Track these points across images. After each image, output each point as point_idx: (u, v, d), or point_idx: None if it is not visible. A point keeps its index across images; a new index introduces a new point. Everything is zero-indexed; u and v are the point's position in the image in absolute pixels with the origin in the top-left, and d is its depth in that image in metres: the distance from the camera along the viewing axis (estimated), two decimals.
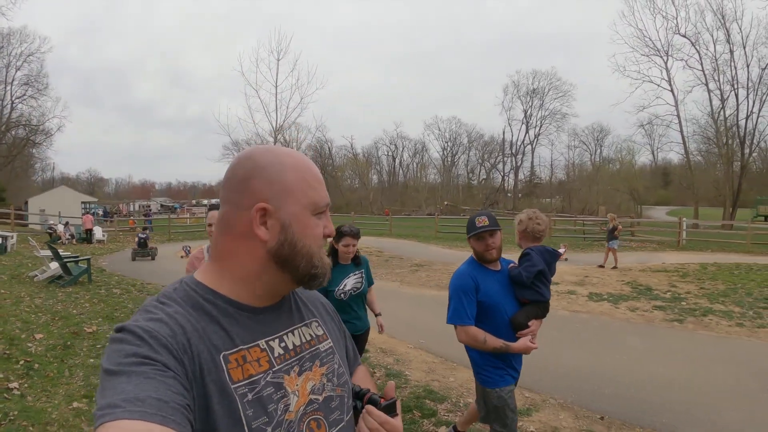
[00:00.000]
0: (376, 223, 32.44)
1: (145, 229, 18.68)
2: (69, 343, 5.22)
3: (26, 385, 4.00)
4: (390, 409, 0.90)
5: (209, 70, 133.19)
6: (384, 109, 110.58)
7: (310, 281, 0.89)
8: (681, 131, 37.16)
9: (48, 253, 9.55)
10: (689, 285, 9.65)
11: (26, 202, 28.69)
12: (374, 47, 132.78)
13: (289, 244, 0.84)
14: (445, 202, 58.17)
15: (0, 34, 35.50)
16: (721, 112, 34.43)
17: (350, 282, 3.58)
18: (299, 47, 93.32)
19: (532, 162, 62.55)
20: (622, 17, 42.75)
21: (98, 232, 20.75)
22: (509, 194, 61.63)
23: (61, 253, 9.20)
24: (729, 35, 32.29)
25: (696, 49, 34.14)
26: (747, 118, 33.33)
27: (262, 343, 0.83)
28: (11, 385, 3.92)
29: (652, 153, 39.45)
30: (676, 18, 33.96)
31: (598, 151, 58.88)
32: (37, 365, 4.45)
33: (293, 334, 0.91)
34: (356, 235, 3.59)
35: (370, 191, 63.52)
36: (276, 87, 28.16)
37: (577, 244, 19.43)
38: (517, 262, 2.74)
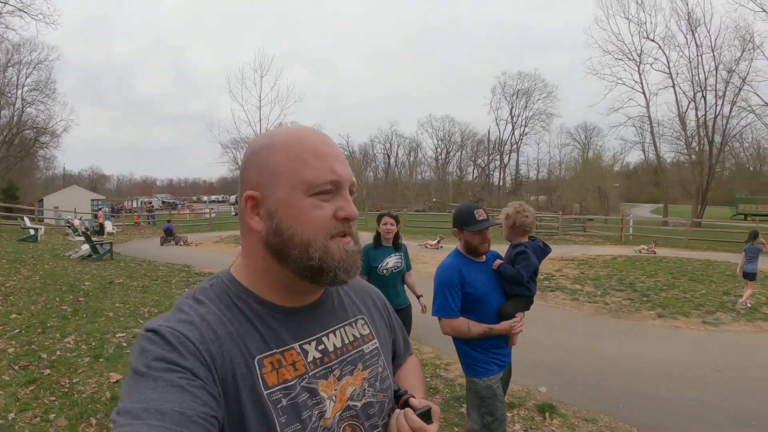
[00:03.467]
0: (361, 219, 35.46)
1: (168, 221, 22.16)
2: (107, 286, 8.41)
3: (80, 309, 7.13)
4: (425, 417, 0.85)
5: (212, 66, 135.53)
6: (382, 106, 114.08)
7: (313, 275, 0.78)
8: (651, 132, 38.93)
9: (81, 238, 12.80)
10: (574, 270, 11.66)
11: (41, 200, 31.81)
12: (374, 44, 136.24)
13: (276, 232, 0.77)
14: (434, 199, 61.00)
15: (12, 44, 38.32)
16: (689, 114, 35.74)
17: (392, 261, 3.99)
18: (281, 65, 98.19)
19: (517, 160, 65.19)
20: (597, 22, 44.90)
21: (109, 226, 23.96)
22: (495, 191, 63.87)
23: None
24: (695, 39, 33.56)
25: (664, 53, 35.88)
26: (715, 119, 34.45)
27: (297, 346, 0.80)
28: (67, 309, 7.05)
29: (643, 151, 41.66)
30: (645, 23, 35.90)
31: (588, 148, 60.05)
32: (90, 298, 7.63)
33: (334, 335, 0.87)
34: (394, 216, 4.07)
35: (362, 188, 66.25)
36: (260, 100, 32.00)
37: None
38: (506, 256, 2.73)
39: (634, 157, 56.68)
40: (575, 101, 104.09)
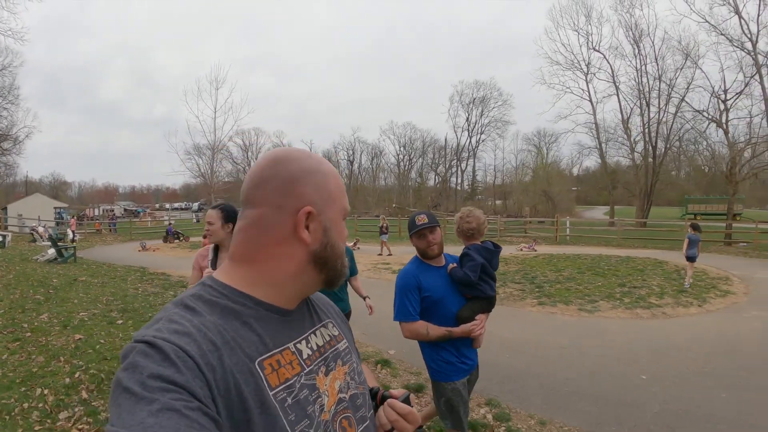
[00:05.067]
0: None
1: (170, 224, 27.83)
2: (72, 282, 10.07)
3: (51, 298, 8.79)
4: (405, 403, 0.98)
5: (175, 70, 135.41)
6: (345, 112, 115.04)
7: (338, 280, 0.93)
8: (598, 138, 40.86)
9: (48, 243, 14.30)
10: None
11: (5, 208, 32.56)
12: (339, 49, 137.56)
13: (331, 246, 0.89)
14: (393, 205, 62.68)
15: None
16: (633, 120, 37.30)
17: None
18: (242, 72, 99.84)
19: (474, 166, 67.03)
20: (546, 33, 47.42)
21: (70, 233, 25.15)
22: (453, 197, 64.98)
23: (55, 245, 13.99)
24: (639, 49, 35.24)
25: (608, 63, 37.88)
26: (658, 125, 35.84)
27: (291, 345, 0.85)
28: (40, 298, 8.70)
29: (600, 156, 43.45)
30: (591, 35, 38.08)
31: (547, 154, 61.56)
32: (58, 291, 9.28)
33: (315, 335, 0.93)
34: None
35: None
36: (215, 112, 34.14)
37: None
38: (458, 260, 2.83)
39: (593, 162, 59.07)
40: (533, 108, 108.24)
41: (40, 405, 3.94)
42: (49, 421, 3.71)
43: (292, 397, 0.78)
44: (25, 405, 3.92)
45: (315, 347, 0.91)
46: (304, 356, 0.86)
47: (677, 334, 6.97)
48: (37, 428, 3.59)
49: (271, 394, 0.75)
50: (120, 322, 6.88)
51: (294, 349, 0.85)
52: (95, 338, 5.92)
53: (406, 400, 0.99)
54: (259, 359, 0.77)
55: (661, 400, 4.62)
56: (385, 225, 17.91)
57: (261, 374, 0.76)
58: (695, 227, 10.60)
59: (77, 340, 5.79)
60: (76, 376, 4.60)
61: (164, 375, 0.64)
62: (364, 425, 0.93)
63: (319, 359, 0.90)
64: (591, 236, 23.15)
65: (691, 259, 10.33)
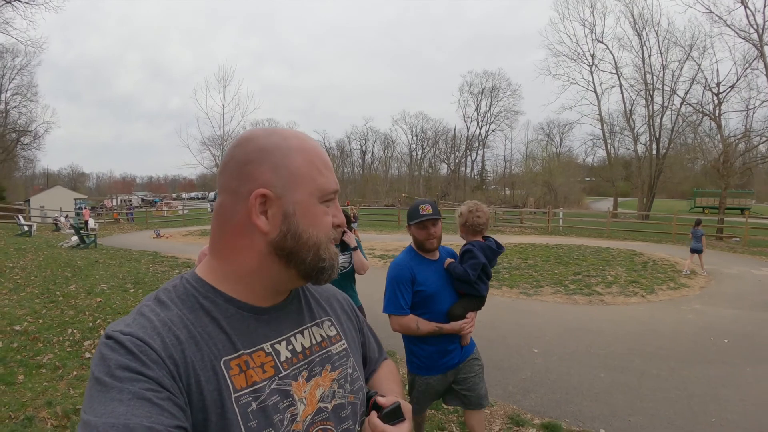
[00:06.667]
0: None
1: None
2: (93, 263, 11.73)
3: (76, 275, 10.42)
4: (395, 415, 0.86)
5: (190, 63, 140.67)
6: (357, 102, 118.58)
7: (318, 276, 0.84)
8: (602, 129, 41.38)
9: (71, 231, 16.04)
10: None
11: (28, 200, 34.64)
12: (354, 40, 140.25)
13: (293, 235, 0.79)
14: (403, 194, 63.62)
15: None
16: (637, 111, 37.67)
17: (338, 260, 3.55)
18: (243, 74, 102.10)
19: (483, 156, 67.81)
20: (551, 24, 47.99)
21: (91, 222, 27.04)
22: (462, 187, 65.72)
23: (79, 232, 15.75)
24: (642, 40, 35.12)
25: (612, 54, 38.49)
26: (662, 116, 35.83)
27: (266, 346, 0.80)
28: (68, 274, 10.34)
29: (605, 147, 43.21)
30: (595, 26, 38.15)
31: (561, 144, 62.37)
32: (82, 270, 10.93)
33: (302, 335, 0.87)
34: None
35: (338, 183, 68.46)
36: (223, 108, 36.35)
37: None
38: (458, 255, 2.72)
39: (604, 153, 58.79)
40: (544, 98, 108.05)
41: (71, 338, 5.56)
42: (76, 346, 5.32)
43: (258, 402, 0.74)
44: (61, 338, 5.55)
45: (300, 348, 0.85)
46: (282, 358, 0.81)
47: (598, 320, 7.29)
48: (68, 349, 5.19)
49: (233, 396, 0.72)
50: (132, 290, 8.48)
51: (270, 350, 0.80)
52: (112, 301, 7.53)
53: (395, 411, 0.87)
54: (225, 358, 0.74)
55: (537, 369, 5.05)
56: (354, 214, 19.52)
57: (225, 374, 0.73)
58: (698, 223, 11.86)
59: (98, 302, 7.39)
60: (97, 322, 6.22)
61: (131, 366, 0.65)
62: None
63: (302, 362, 0.84)
64: (582, 228, 23.58)
65: (695, 251, 11.42)
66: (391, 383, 1.07)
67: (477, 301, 2.72)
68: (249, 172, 0.78)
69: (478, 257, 2.61)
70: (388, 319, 2.70)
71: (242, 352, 0.77)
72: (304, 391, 0.82)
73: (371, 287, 5.09)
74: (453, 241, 2.82)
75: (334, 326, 0.96)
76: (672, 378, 5.02)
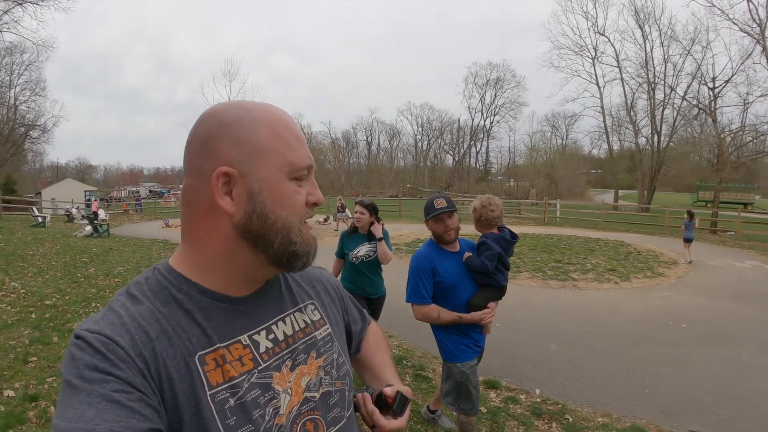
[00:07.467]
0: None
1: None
2: (108, 250, 12.49)
3: (93, 260, 11.17)
4: (403, 404, 0.88)
5: (197, 54, 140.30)
6: (363, 93, 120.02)
7: (290, 261, 0.77)
8: (604, 122, 42.06)
9: (85, 222, 16.84)
10: None
11: (39, 193, 35.59)
12: (358, 30, 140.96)
13: (259, 216, 0.73)
14: (408, 185, 63.92)
15: (3, 48, 40.91)
16: (639, 104, 38.12)
17: (363, 249, 3.96)
18: (248, 68, 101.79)
19: (487, 147, 68.27)
20: (554, 16, 48.41)
21: (101, 214, 27.88)
22: (466, 178, 66.09)
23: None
24: (644, 33, 35.87)
25: (613, 47, 38.82)
26: (663, 109, 36.67)
27: (244, 338, 0.76)
28: (86, 260, 11.08)
29: (607, 140, 44.03)
30: (597, 18, 39.14)
31: (567, 135, 62.39)
32: (99, 256, 11.68)
33: (284, 323, 0.83)
34: (367, 205, 3.98)
35: (340, 174, 69.65)
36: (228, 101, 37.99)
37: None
38: (475, 249, 2.80)
39: (614, 145, 59.00)
40: (548, 90, 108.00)
41: (95, 310, 6.28)
42: None
43: (236, 398, 0.71)
44: (86, 310, 6.30)
45: (282, 337, 0.81)
46: (261, 350, 0.77)
47: (566, 302, 7.57)
48: None
49: (208, 393, 0.69)
50: None
51: (247, 342, 0.76)
52: (129, 281, 8.20)
53: (402, 400, 0.88)
54: (200, 353, 0.70)
55: (492, 338, 4.29)
56: (341, 204, 20.45)
57: (200, 370, 0.69)
58: (690, 214, 12.68)
59: (116, 282, 8.13)
60: None
61: (99, 366, 0.62)
62: (338, 426, 0.83)
63: (284, 351, 0.80)
64: (578, 219, 23.94)
65: (688, 240, 12.15)
66: (383, 354, 1.08)
67: (497, 291, 2.80)
68: (211, 149, 0.73)
69: (493, 248, 2.69)
70: (411, 309, 2.83)
71: (218, 345, 0.73)
72: (289, 381, 0.78)
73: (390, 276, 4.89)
74: (463, 230, 2.99)
75: (317, 310, 0.92)
76: (618, 354, 5.30)
